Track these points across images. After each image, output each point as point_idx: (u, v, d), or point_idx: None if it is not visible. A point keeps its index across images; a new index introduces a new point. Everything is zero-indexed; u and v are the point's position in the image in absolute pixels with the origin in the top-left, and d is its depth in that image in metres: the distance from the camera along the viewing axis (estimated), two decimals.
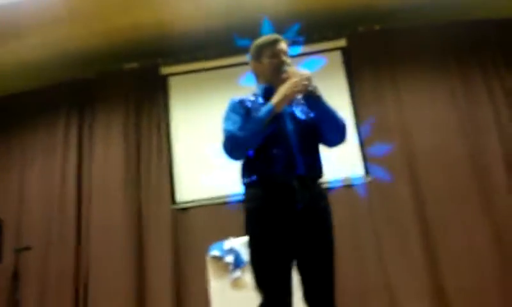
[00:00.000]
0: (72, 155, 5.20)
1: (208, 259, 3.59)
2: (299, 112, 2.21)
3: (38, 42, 4.85)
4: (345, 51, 5.29)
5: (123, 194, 4.98)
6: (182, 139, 5.23)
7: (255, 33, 5.03)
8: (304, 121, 2.18)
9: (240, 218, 4.71)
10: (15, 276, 4.38)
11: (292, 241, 1.98)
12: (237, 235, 3.80)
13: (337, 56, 5.30)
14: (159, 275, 4.68)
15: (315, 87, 2.06)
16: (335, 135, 2.17)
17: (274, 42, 2.23)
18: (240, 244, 3.58)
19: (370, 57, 5.16)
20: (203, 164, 5.07)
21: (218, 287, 3.50)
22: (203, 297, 4.24)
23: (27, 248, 4.56)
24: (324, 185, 2.06)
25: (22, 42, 4.82)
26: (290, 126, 2.13)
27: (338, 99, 5.08)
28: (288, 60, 2.19)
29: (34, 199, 5.11)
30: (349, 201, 4.74)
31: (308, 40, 5.16)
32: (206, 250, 3.78)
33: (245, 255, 3.50)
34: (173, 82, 5.45)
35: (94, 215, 4.96)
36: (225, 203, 4.90)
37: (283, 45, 2.23)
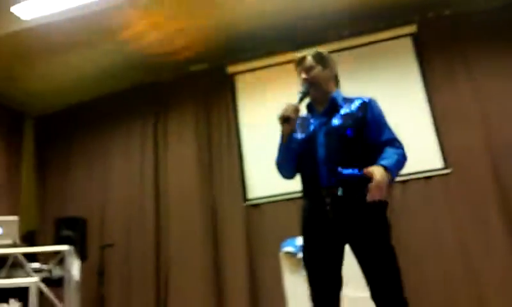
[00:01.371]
0: (149, 156, 5.45)
1: (281, 255, 3.60)
2: (337, 121, 2.22)
3: (111, 48, 5.10)
4: (415, 37, 5.08)
5: (198, 192, 5.16)
6: (251, 136, 5.29)
7: (318, 26, 5.08)
8: (336, 131, 2.19)
9: None
10: (100, 272, 4.66)
11: (331, 248, 2.11)
12: None
13: (408, 42, 5.11)
14: (234, 270, 4.80)
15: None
16: None
17: (299, 62, 2.34)
18: None
19: (441, 43, 4.94)
20: (273, 159, 5.07)
21: (292, 283, 3.50)
22: (278, 291, 4.28)
23: (110, 245, 4.85)
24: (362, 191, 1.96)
25: (97, 50, 5.09)
26: (321, 139, 2.20)
27: (411, 87, 4.92)
28: (304, 78, 2.28)
29: (115, 199, 5.44)
30: (428, 194, 4.55)
31: (378, 27, 5.04)
32: (279, 245, 3.80)
33: None
34: (240, 80, 5.52)
35: (172, 213, 5.18)
36: (296, 199, 4.89)
37: (303, 64, 2.31)
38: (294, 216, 4.71)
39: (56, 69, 5.32)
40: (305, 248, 2.19)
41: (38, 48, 4.89)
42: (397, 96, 4.90)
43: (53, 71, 5.35)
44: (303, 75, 2.29)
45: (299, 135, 2.28)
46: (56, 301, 3.47)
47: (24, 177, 5.94)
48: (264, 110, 5.28)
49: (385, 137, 2.15)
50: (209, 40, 5.16)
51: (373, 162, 2.02)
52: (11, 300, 3.42)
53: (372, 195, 1.91)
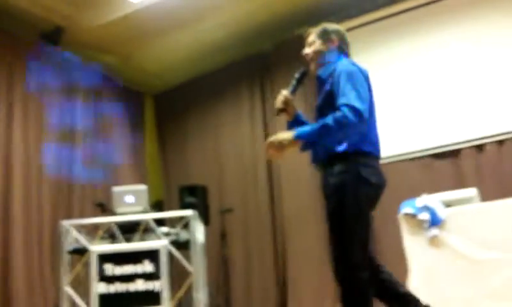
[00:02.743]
0: (258, 123, 5.59)
1: (400, 217, 3.47)
2: (318, 101, 2.35)
3: (216, 23, 5.23)
4: None
5: (309, 156, 5.14)
6: None
7: None
8: (316, 112, 2.32)
9: (430, 175, 4.48)
10: (222, 235, 4.92)
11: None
12: (427, 191, 3.62)
13: None
14: None
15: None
16: (340, 140, 2.16)
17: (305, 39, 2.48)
18: (434, 201, 3.37)
19: None
20: (383, 120, 4.88)
21: (414, 245, 3.37)
22: (398, 255, 4.16)
23: (230, 210, 5.08)
24: (345, 163, 2.13)
25: (204, 25, 5.25)
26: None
27: None
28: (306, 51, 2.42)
29: (229, 166, 5.70)
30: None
31: None
32: (396, 208, 3.67)
33: (442, 212, 3.29)
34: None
35: (284, 177, 5.27)
36: (411, 160, 4.69)
37: (307, 41, 2.45)
38: (413, 177, 4.56)
39: (168, 48, 5.63)
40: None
41: (150, 29, 5.20)
42: None
43: (165, 51, 5.67)
44: (304, 51, 2.43)
45: None
46: (184, 261, 3.75)
47: (148, 152, 6.46)
48: (372, 68, 4.98)
49: (337, 104, 2.11)
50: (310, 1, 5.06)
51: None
52: (145, 261, 3.78)
53: (266, 154, 2.29)
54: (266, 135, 5.53)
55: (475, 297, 3.05)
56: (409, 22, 4.91)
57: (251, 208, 5.40)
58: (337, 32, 2.41)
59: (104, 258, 3.79)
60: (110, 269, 3.77)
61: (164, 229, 4.00)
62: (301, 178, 5.14)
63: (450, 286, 3.15)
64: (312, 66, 2.41)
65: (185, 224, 3.93)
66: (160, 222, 4.04)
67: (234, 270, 5.31)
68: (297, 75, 2.42)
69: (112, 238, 3.93)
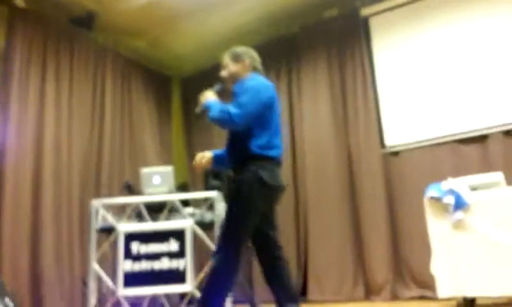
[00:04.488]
0: (284, 106, 5.57)
1: (426, 200, 3.43)
2: None
3: (244, 7, 5.24)
4: None
5: (333, 139, 5.16)
6: (388, 81, 5.06)
7: None
8: None
9: (454, 159, 4.42)
10: None
11: None
12: (454, 175, 3.59)
13: None
14: (373, 217, 4.75)
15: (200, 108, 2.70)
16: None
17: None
18: (460, 184, 3.32)
19: None
20: (411, 104, 4.84)
21: (438, 229, 3.34)
22: (420, 239, 4.14)
23: None
24: (248, 166, 2.52)
25: (232, 9, 5.27)
26: None
27: None
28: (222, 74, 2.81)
29: None
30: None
31: None
32: (420, 192, 3.65)
33: (467, 196, 3.24)
34: (374, 22, 5.26)
35: (307, 160, 5.26)
36: (437, 144, 4.63)
37: (222, 63, 2.84)
38: (436, 162, 4.51)
39: (196, 31, 5.67)
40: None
41: (178, 13, 5.25)
42: None
43: (194, 34, 5.72)
44: (221, 73, 2.81)
45: None
46: (208, 241, 3.82)
47: (174, 135, 6.56)
48: (401, 52, 5.00)
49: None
50: None
51: (243, 139, 2.55)
52: (171, 240, 3.86)
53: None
54: (291, 117, 5.54)
55: (500, 281, 3.01)
56: (438, 5, 4.80)
57: None
58: (247, 53, 2.80)
59: (131, 236, 3.88)
60: (136, 248, 3.87)
61: (189, 209, 4.08)
62: (325, 162, 5.14)
63: (474, 270, 3.12)
64: (228, 85, 2.76)
65: (209, 205, 3.99)
66: (185, 203, 4.11)
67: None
68: (215, 89, 2.78)
69: (139, 217, 4.04)
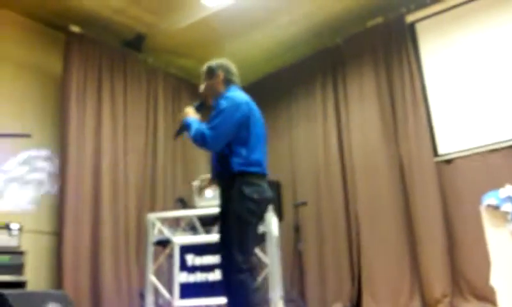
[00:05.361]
0: (331, 117, 5.59)
1: (483, 209, 3.34)
2: None
3: (288, 20, 5.31)
4: None
5: (383, 149, 5.10)
6: (438, 87, 4.96)
7: None
8: None
9: (511, 165, 4.27)
10: (296, 229, 4.98)
11: None
12: (511, 182, 3.47)
13: None
14: (428, 228, 4.64)
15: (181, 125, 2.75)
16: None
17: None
18: None
19: None
20: (463, 109, 4.73)
21: (497, 238, 3.23)
22: (478, 250, 4.01)
23: (304, 203, 5.14)
24: (233, 182, 2.52)
25: (275, 24, 5.36)
26: None
27: None
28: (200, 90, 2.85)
29: (303, 160, 5.76)
30: None
31: None
32: (476, 200, 3.54)
33: None
34: (421, 28, 5.20)
35: (357, 171, 5.24)
36: (493, 150, 4.48)
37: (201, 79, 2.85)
38: (492, 168, 4.36)
39: (242, 48, 5.80)
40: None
41: (224, 32, 5.41)
42: None
43: (239, 51, 5.84)
44: (199, 88, 2.85)
45: None
46: (260, 253, 3.86)
47: None
48: (451, 57, 4.90)
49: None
50: None
51: (226, 158, 2.56)
52: None
53: None
54: (339, 129, 5.54)
55: None
56: (484, 8, 4.68)
57: (325, 201, 5.42)
58: (221, 67, 2.82)
59: (186, 249, 3.99)
60: (191, 260, 3.97)
61: None
62: (375, 172, 5.08)
63: None
64: (208, 101, 2.81)
65: None
66: None
67: (308, 263, 5.37)
68: (195, 105, 2.83)
69: (193, 230, 4.15)
